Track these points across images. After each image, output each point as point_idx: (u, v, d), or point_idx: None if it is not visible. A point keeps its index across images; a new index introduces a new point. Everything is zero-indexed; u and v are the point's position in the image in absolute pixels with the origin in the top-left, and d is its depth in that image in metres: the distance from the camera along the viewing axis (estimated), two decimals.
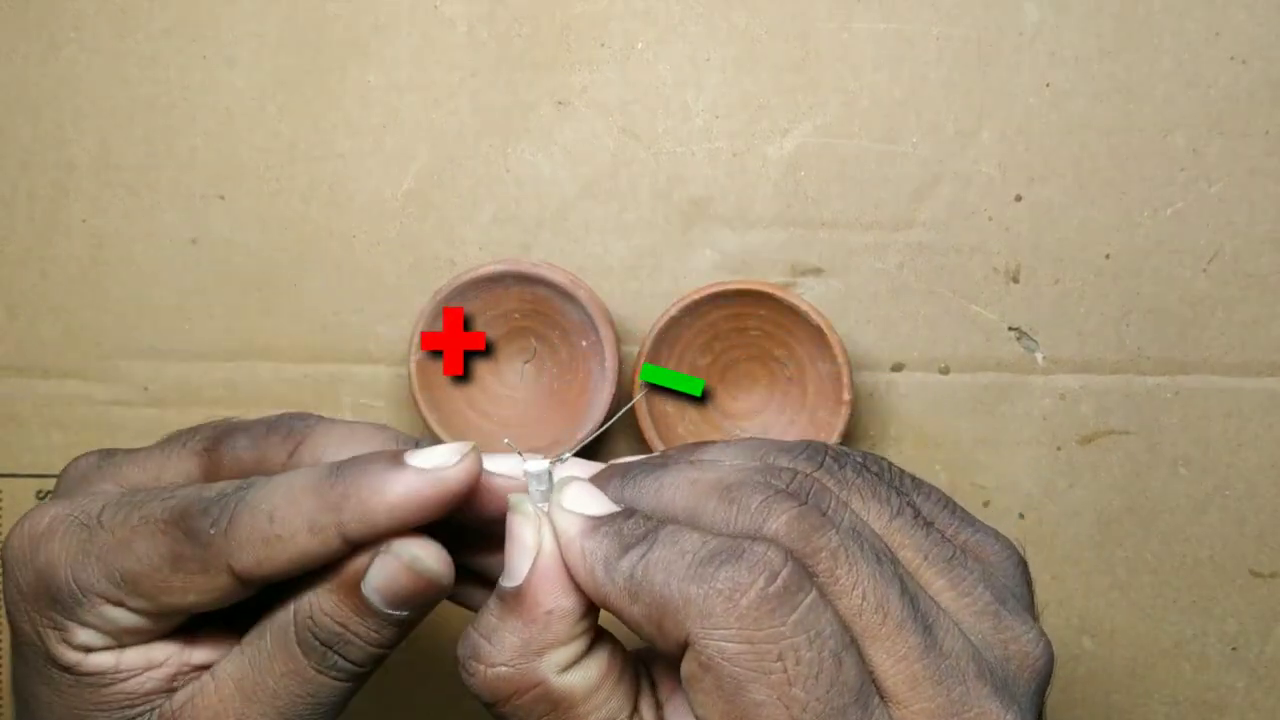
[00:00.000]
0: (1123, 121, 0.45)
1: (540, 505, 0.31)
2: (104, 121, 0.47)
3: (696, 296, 0.43)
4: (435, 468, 0.30)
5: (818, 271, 0.46)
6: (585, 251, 0.46)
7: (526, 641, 0.30)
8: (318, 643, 0.32)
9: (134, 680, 0.32)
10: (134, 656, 0.33)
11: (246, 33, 0.47)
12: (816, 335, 0.42)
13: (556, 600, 0.30)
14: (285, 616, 0.32)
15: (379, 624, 0.33)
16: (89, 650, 0.32)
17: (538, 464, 0.31)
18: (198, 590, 0.31)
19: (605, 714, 0.30)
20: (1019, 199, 0.45)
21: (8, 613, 0.33)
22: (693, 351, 0.44)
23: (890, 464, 0.32)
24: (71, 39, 0.47)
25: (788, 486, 0.30)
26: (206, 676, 0.32)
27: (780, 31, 0.46)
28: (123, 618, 0.32)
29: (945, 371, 0.46)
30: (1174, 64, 0.45)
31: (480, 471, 0.31)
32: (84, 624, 0.32)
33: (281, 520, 0.30)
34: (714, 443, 0.33)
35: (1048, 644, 0.30)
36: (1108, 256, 0.45)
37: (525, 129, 0.46)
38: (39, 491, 0.47)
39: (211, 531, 0.31)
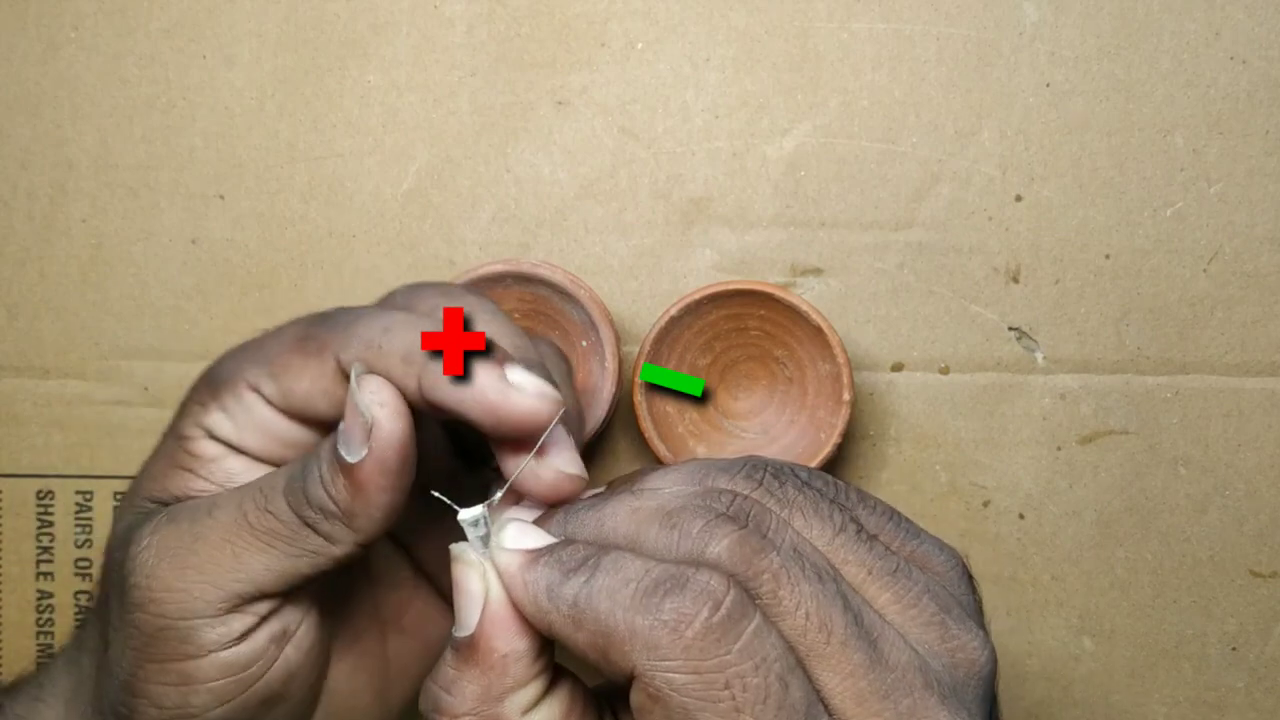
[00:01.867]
0: (1123, 121, 0.45)
1: (483, 553, 0.31)
2: (103, 121, 0.47)
3: (696, 296, 0.43)
4: (538, 392, 0.32)
5: (818, 271, 0.46)
6: (585, 251, 0.46)
7: (486, 688, 0.30)
8: (307, 504, 0.33)
9: (210, 483, 0.35)
10: (230, 464, 0.35)
11: (246, 32, 0.47)
12: (816, 335, 0.42)
13: (510, 643, 0.30)
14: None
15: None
16: (210, 436, 0.35)
17: (471, 512, 0.31)
18: (310, 375, 0.34)
19: None
20: (1019, 199, 0.45)
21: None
22: (693, 351, 0.44)
23: (832, 479, 0.32)
24: (71, 39, 0.47)
25: (728, 509, 0.30)
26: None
27: (780, 31, 0.46)
28: (255, 405, 0.35)
29: (945, 371, 0.46)
30: (1174, 64, 0.45)
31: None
32: (223, 408, 0.35)
33: (390, 337, 0.33)
34: (654, 470, 0.33)
35: (992, 649, 0.31)
36: (1108, 256, 0.45)
37: (525, 129, 0.46)
38: (39, 491, 0.47)
39: (335, 325, 0.34)
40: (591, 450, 0.46)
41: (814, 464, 0.42)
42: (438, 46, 0.46)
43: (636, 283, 0.46)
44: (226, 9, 0.47)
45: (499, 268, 0.43)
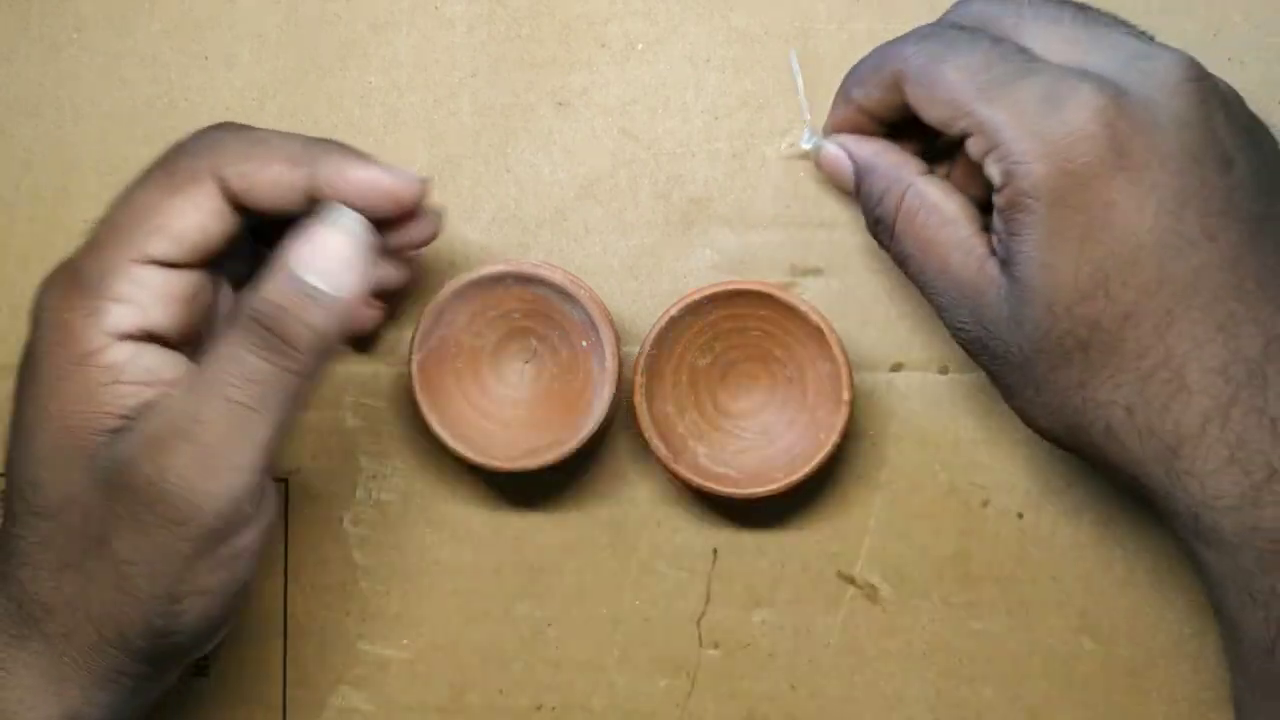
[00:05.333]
0: None
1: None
2: (105, 122, 0.47)
3: (696, 296, 0.43)
4: (410, 176, 0.38)
5: (818, 271, 0.46)
6: (585, 251, 0.46)
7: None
8: (260, 327, 0.36)
9: (131, 386, 0.36)
10: (146, 360, 0.36)
11: (247, 33, 0.47)
12: (816, 335, 0.42)
13: None
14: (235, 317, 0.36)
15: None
16: (118, 336, 0.36)
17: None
18: (195, 208, 0.37)
19: None
20: None
21: (33, 318, 0.37)
22: (693, 351, 0.44)
23: None
24: (73, 39, 0.47)
25: None
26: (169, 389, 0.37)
27: (779, 32, 0.46)
28: (149, 275, 0.37)
29: (945, 371, 0.46)
30: None
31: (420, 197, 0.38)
32: (116, 298, 0.36)
33: (266, 146, 0.38)
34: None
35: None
36: None
37: (525, 129, 0.46)
38: None
39: (196, 153, 0.37)
40: (592, 451, 0.46)
41: (813, 465, 0.42)
42: (438, 47, 0.46)
43: (636, 283, 0.46)
44: (227, 10, 0.47)
45: (500, 268, 0.43)
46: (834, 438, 0.42)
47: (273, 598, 0.47)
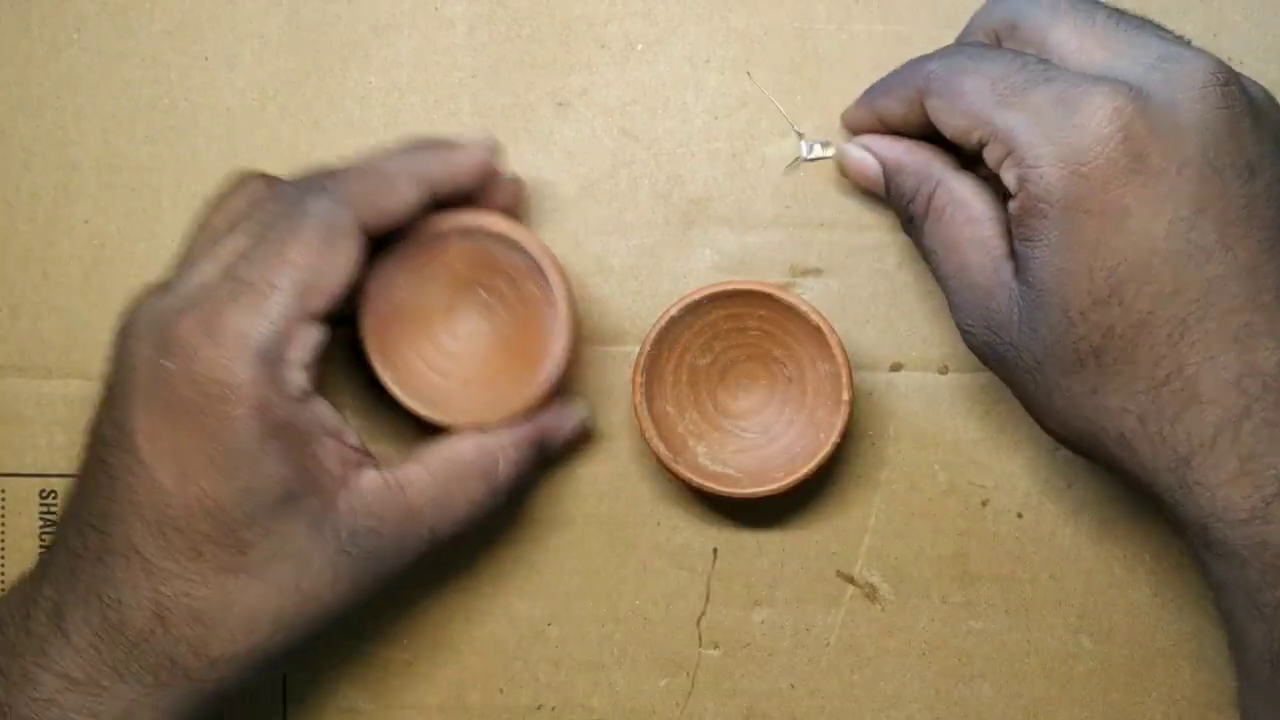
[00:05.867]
0: None
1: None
2: (106, 122, 0.47)
3: (696, 296, 0.43)
4: (483, 144, 0.42)
5: (818, 272, 0.46)
6: (585, 251, 0.46)
7: None
8: (499, 480, 0.41)
9: (325, 443, 0.39)
10: (323, 414, 0.39)
11: (248, 34, 0.47)
12: (815, 335, 0.43)
13: None
14: (474, 454, 0.41)
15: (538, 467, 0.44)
16: (299, 399, 0.38)
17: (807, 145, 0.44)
18: (349, 262, 0.39)
19: None
20: None
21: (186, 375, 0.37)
22: (693, 351, 0.44)
23: None
24: (74, 40, 0.47)
25: None
26: (393, 480, 0.40)
27: (779, 32, 0.46)
28: (313, 335, 0.38)
29: (944, 371, 0.46)
30: None
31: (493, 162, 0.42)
32: (295, 363, 0.38)
33: (386, 176, 0.40)
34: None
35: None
36: None
37: (525, 130, 0.46)
38: (42, 491, 0.47)
39: (336, 197, 0.39)
40: (593, 451, 0.46)
41: (812, 464, 0.43)
42: (439, 48, 0.47)
43: (636, 283, 0.46)
44: (228, 11, 0.47)
45: (443, 226, 0.42)
46: (834, 437, 0.42)
47: None
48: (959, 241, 0.40)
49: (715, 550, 0.46)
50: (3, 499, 0.47)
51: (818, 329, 0.42)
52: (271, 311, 0.37)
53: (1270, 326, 0.35)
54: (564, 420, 0.44)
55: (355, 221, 0.39)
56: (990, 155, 0.38)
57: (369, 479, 0.39)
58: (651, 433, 0.43)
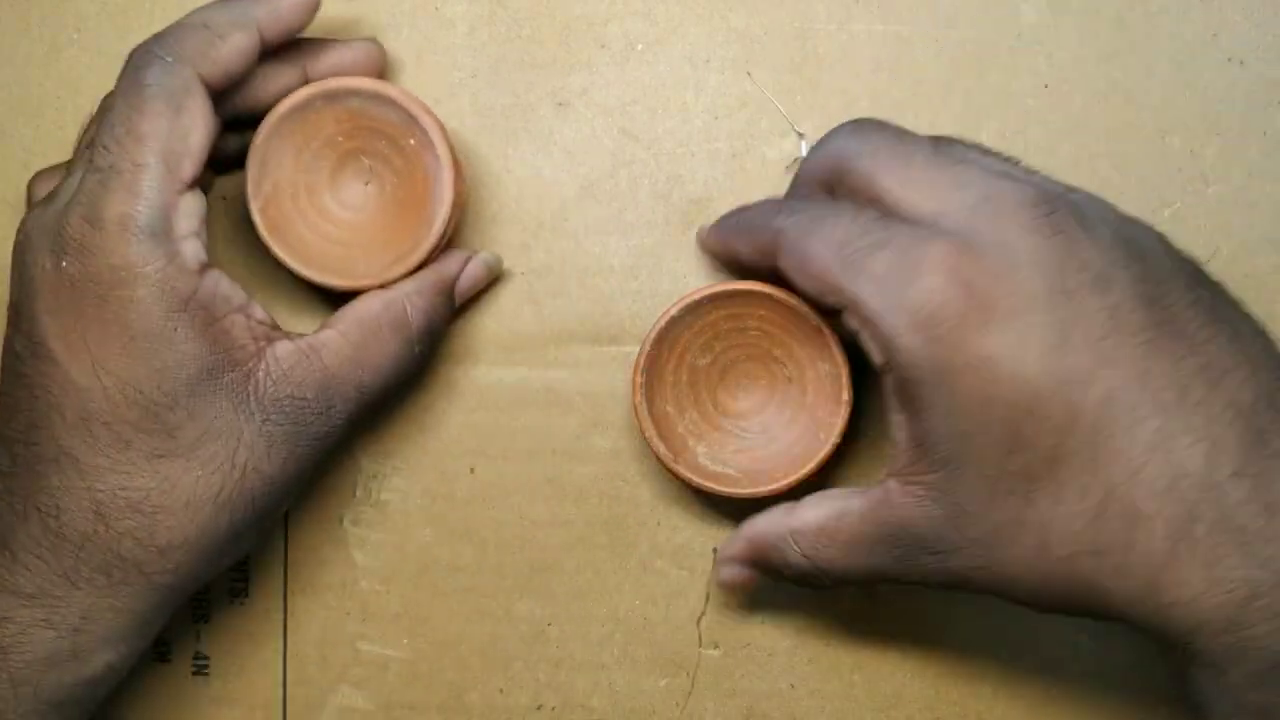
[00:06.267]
0: (1120, 123, 0.45)
1: None
2: None
3: (696, 296, 0.43)
4: None
5: None
6: (585, 252, 0.46)
7: None
8: (413, 329, 0.42)
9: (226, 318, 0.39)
10: (223, 286, 0.40)
11: None
12: (816, 335, 0.43)
13: None
14: (381, 308, 0.42)
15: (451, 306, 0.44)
16: (198, 272, 0.39)
17: None
18: (200, 119, 0.39)
19: None
20: None
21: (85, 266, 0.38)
22: (693, 351, 0.44)
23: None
24: (74, 40, 0.47)
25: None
26: (307, 345, 0.40)
27: (779, 32, 0.46)
28: (192, 203, 0.39)
29: None
30: (1172, 66, 0.45)
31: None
32: (183, 235, 0.39)
33: (216, 30, 0.39)
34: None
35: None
36: None
37: (525, 130, 0.46)
38: None
39: (169, 59, 0.39)
40: (593, 451, 0.46)
41: (813, 464, 0.42)
42: (439, 48, 0.47)
43: (637, 283, 0.46)
44: None
45: (305, 93, 0.42)
46: (833, 438, 0.42)
47: (273, 598, 0.47)
48: (849, 541, 0.39)
49: (715, 550, 0.46)
50: None
51: (817, 329, 0.42)
52: (144, 189, 0.38)
53: (1184, 425, 0.34)
54: (464, 262, 0.44)
55: (195, 78, 0.39)
56: (848, 322, 0.38)
57: (283, 348, 0.40)
58: (651, 433, 0.43)
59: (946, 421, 0.35)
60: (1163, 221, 0.45)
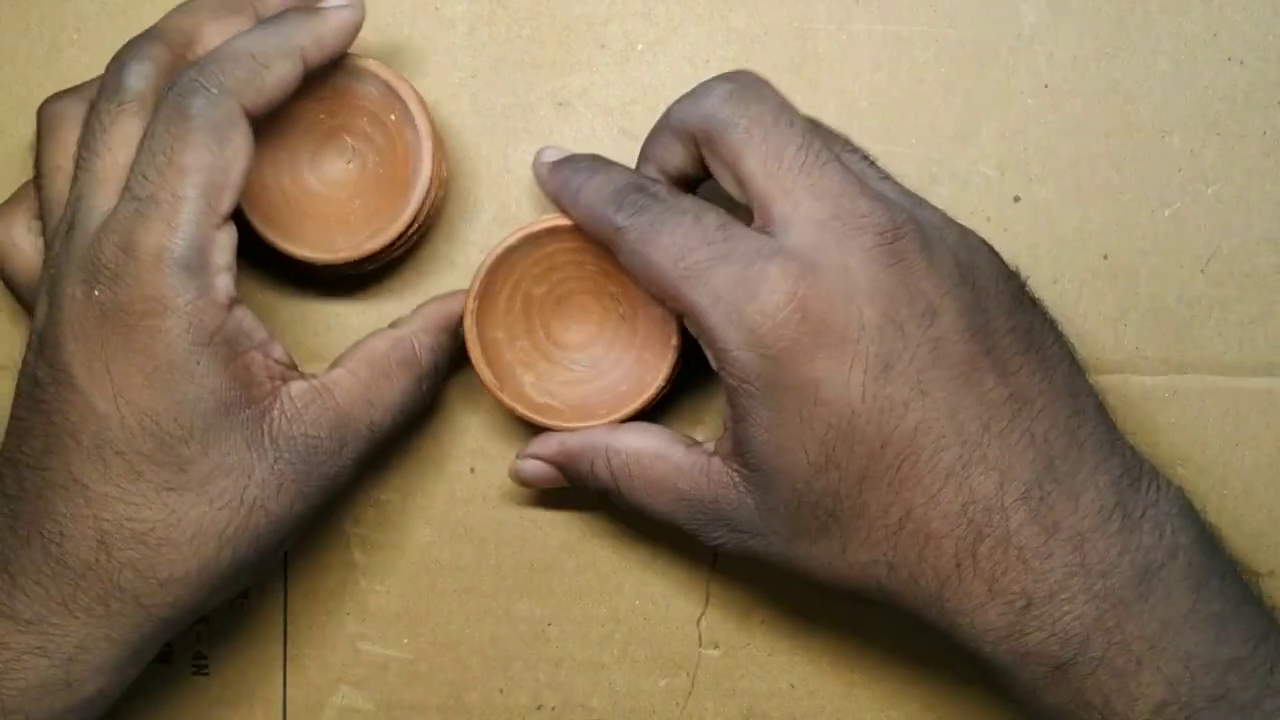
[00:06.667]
0: (1120, 122, 0.45)
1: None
2: None
3: (536, 228, 0.42)
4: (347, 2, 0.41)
5: None
6: None
7: None
8: (421, 366, 0.42)
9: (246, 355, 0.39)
10: (247, 322, 0.39)
11: None
12: None
13: None
14: (389, 346, 0.42)
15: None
16: (226, 307, 0.38)
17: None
18: (241, 153, 0.38)
19: None
20: (1017, 200, 0.46)
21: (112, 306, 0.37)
22: (528, 281, 0.43)
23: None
24: (74, 40, 0.47)
25: None
26: (320, 384, 0.40)
27: (779, 32, 0.46)
28: (227, 236, 0.39)
29: None
30: (1171, 65, 0.45)
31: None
32: (218, 269, 0.38)
33: (259, 60, 0.39)
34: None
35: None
36: (1105, 257, 0.45)
37: (526, 130, 0.46)
38: None
39: (215, 91, 0.38)
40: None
41: (637, 403, 0.42)
42: (439, 48, 0.47)
43: None
44: None
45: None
46: (659, 381, 0.42)
47: (273, 597, 0.47)
48: (662, 479, 0.40)
49: (715, 550, 0.46)
50: None
51: None
52: (184, 222, 0.37)
53: (981, 455, 0.36)
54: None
55: (239, 111, 0.38)
56: (690, 327, 0.39)
57: (297, 387, 0.40)
58: (479, 358, 0.42)
59: (767, 433, 0.37)
60: (1163, 221, 0.45)
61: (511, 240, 0.42)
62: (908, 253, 0.37)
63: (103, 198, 0.38)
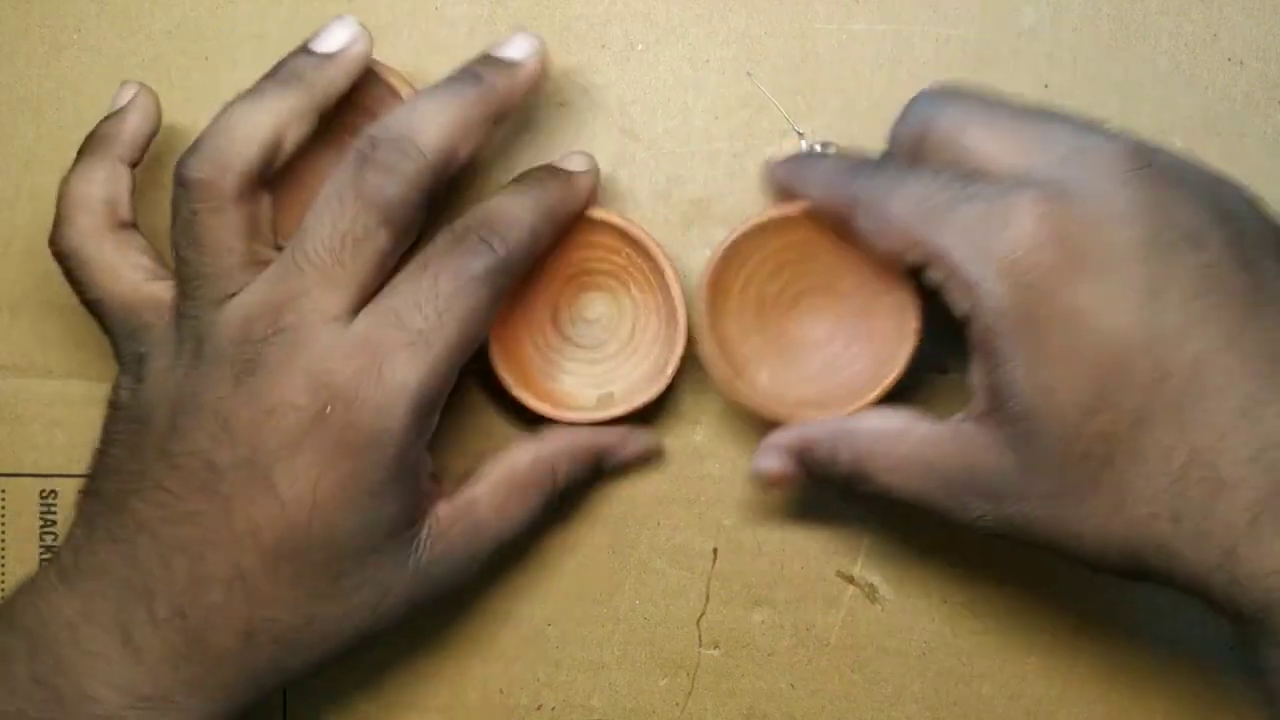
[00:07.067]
0: (1120, 122, 0.45)
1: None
2: None
3: (765, 219, 0.42)
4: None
5: None
6: None
7: None
8: (555, 491, 0.43)
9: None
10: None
11: (248, 34, 0.47)
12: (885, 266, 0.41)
13: None
14: (529, 467, 0.42)
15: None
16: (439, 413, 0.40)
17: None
18: (496, 310, 0.40)
19: None
20: None
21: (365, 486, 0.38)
22: (760, 278, 0.43)
23: None
24: (74, 40, 0.47)
25: None
26: (463, 503, 0.41)
27: (780, 32, 0.46)
28: None
29: (944, 371, 0.46)
30: (1171, 65, 0.45)
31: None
32: (437, 410, 0.40)
33: (536, 232, 0.40)
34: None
35: None
36: None
37: (525, 129, 0.46)
38: (42, 491, 0.47)
39: (501, 253, 0.39)
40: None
41: (876, 392, 0.41)
42: (439, 48, 0.47)
43: None
44: (228, 11, 0.47)
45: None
46: (898, 368, 0.41)
47: None
48: (905, 457, 0.38)
49: (715, 550, 0.46)
50: (3, 499, 0.47)
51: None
52: (437, 366, 0.38)
53: (1274, 393, 0.33)
54: (625, 440, 0.44)
55: (511, 277, 0.40)
56: (931, 278, 0.37)
57: (443, 509, 0.41)
58: (715, 354, 0.42)
59: (1029, 375, 0.34)
60: None
61: (741, 230, 0.42)
62: (1161, 181, 0.35)
63: (336, 304, 0.38)
